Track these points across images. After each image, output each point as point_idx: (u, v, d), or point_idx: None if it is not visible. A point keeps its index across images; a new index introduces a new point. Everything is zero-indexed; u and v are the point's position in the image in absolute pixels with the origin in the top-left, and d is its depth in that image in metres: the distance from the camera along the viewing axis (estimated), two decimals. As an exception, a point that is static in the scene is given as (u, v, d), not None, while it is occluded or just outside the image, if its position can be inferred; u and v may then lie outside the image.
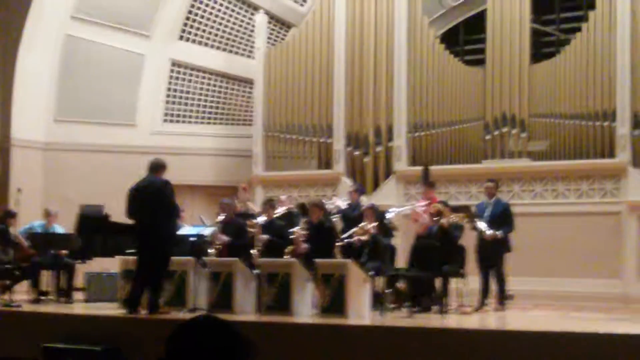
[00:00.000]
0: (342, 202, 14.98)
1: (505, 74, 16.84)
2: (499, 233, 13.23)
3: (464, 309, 12.83)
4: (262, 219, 13.76)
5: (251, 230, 13.36)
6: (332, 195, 17.30)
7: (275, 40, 20.06)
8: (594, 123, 15.93)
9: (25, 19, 18.32)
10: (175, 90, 20.17)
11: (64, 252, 14.44)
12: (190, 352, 2.66)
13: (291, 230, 13.66)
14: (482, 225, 13.30)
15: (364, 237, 12.96)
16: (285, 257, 12.68)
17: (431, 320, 11.86)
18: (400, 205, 15.50)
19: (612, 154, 15.77)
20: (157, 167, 12.13)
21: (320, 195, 17.71)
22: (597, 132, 15.90)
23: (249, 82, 20.13)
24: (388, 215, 13.89)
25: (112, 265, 14.44)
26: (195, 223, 14.78)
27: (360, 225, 13.11)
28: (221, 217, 13.43)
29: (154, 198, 11.75)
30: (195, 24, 20.03)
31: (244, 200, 16.13)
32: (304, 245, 12.81)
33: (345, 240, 13.01)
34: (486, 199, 13.82)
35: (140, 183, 12.08)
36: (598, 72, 16.07)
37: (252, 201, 16.78)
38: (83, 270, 14.99)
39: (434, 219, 12.89)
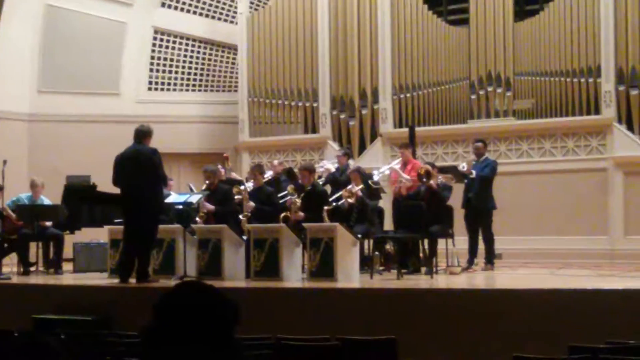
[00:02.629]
0: (331, 165, 14.95)
1: (489, 33, 16.79)
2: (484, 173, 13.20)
3: (453, 269, 12.88)
4: (250, 185, 13.73)
5: (238, 196, 13.33)
6: (319, 159, 17.30)
7: (257, 5, 19.93)
8: (578, 79, 15.91)
9: (5, -10, 18.18)
10: (158, 58, 20.08)
11: (48, 223, 14.39)
12: (177, 316, 2.69)
13: (281, 195, 13.66)
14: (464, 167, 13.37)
15: (351, 200, 12.96)
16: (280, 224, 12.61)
17: (420, 281, 11.94)
18: (381, 167, 15.46)
19: (597, 111, 15.77)
20: (143, 135, 12.02)
21: (307, 159, 17.72)
22: (582, 89, 15.88)
23: (232, 48, 20.04)
24: (374, 178, 13.89)
25: (100, 235, 14.46)
26: (182, 191, 14.76)
27: (346, 188, 13.10)
28: (206, 185, 13.38)
29: (142, 167, 11.68)
30: (177, -9, 19.92)
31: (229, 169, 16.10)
32: (301, 214, 12.79)
33: (333, 204, 13.01)
34: (475, 159, 13.79)
35: (127, 151, 11.97)
36: (582, 28, 16.01)
37: (235, 169, 16.70)
38: (71, 241, 14.97)
39: (423, 180, 12.88)
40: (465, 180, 13.33)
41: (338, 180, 14.23)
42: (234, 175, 15.47)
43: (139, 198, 11.65)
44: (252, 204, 13.11)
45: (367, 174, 13.60)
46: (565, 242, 15.34)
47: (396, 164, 14.13)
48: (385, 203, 14.48)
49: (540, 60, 16.36)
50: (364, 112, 17.93)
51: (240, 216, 13.05)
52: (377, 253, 13.21)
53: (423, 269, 12.79)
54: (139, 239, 11.79)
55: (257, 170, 13.84)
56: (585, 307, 9.22)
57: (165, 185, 12.62)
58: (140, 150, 11.83)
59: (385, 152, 17.44)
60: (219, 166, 14.54)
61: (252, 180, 13.80)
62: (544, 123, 16.17)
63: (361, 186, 13.08)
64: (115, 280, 11.96)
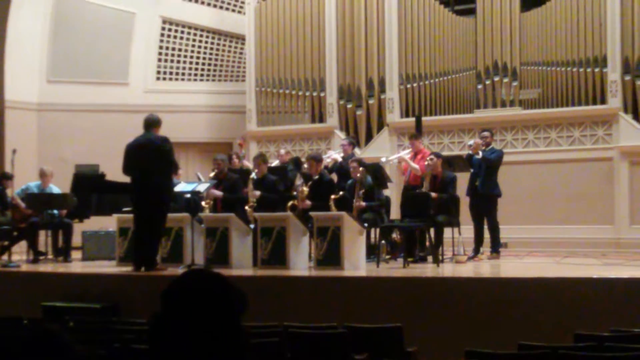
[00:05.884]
0: (337, 155, 15.00)
1: (496, 23, 16.80)
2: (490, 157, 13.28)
3: (459, 258, 12.93)
4: (253, 174, 13.79)
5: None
6: (326, 149, 17.37)
7: (265, -5, 19.97)
8: (585, 69, 15.94)
9: (14, -21, 18.28)
10: (167, 48, 20.14)
11: (61, 212, 14.50)
12: (185, 304, 2.73)
13: (281, 182, 13.71)
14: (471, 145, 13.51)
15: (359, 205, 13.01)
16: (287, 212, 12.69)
17: (426, 270, 11.99)
18: (388, 155, 15.51)
19: (603, 100, 15.80)
20: (152, 124, 12.09)
21: (314, 149, 17.78)
22: (589, 79, 15.91)
23: (240, 38, 20.09)
24: (381, 162, 13.93)
25: (108, 223, 14.55)
26: (191, 180, 14.83)
27: (355, 198, 13.14)
28: (214, 173, 13.45)
29: (153, 155, 11.73)
30: (185, -19, 19.97)
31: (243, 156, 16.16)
32: (307, 202, 12.88)
33: (340, 193, 13.04)
34: (483, 149, 13.80)
35: (138, 140, 12.02)
36: (589, 18, 16.03)
37: (246, 157, 16.76)
38: (80, 229, 15.07)
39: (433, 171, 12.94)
40: (471, 170, 13.38)
41: (344, 169, 14.26)
42: (246, 163, 15.51)
43: (150, 186, 11.72)
44: (257, 192, 13.19)
45: (373, 165, 13.58)
46: (571, 231, 15.40)
47: (406, 153, 14.18)
48: (392, 192, 14.51)
49: (546, 50, 16.38)
50: (370, 101, 17.97)
51: (246, 207, 13.13)
52: (383, 242, 13.27)
53: (429, 258, 12.85)
54: (149, 227, 11.88)
55: (260, 159, 13.85)
56: (590, 295, 9.29)
57: (176, 173, 12.70)
58: (152, 139, 11.88)
59: (392, 141, 17.49)
60: (240, 152, 14.65)
61: (256, 170, 13.84)
62: (550, 113, 16.21)
63: (364, 190, 13.07)
64: (124, 268, 12.04)
